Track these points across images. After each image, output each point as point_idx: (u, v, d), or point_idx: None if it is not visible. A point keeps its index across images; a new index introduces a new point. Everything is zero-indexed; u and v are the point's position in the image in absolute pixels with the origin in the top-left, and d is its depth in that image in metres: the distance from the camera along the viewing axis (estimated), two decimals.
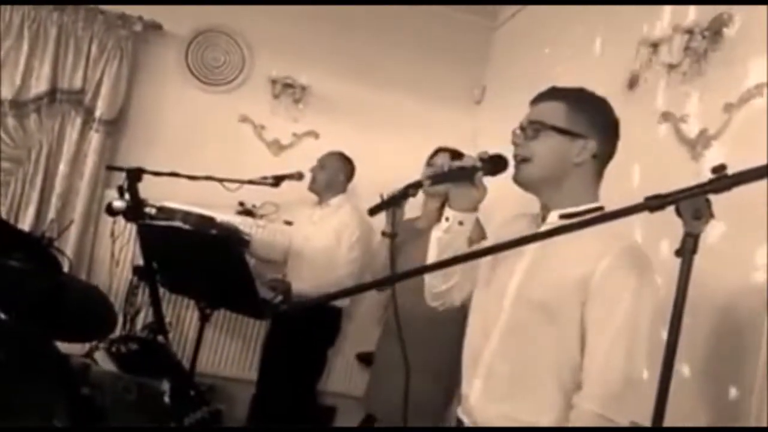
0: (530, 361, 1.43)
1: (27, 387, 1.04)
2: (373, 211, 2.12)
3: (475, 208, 1.55)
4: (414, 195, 2.47)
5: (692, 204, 1.02)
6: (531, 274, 1.47)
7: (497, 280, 1.53)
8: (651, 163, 2.38)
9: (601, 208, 1.48)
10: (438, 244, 1.58)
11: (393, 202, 2.50)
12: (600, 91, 1.56)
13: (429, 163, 2.68)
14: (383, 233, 2.77)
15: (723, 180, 1.00)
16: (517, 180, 1.52)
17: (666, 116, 2.36)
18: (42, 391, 1.06)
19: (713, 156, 2.08)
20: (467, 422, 1.54)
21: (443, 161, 1.69)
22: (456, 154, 2.64)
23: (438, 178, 1.55)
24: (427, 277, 1.65)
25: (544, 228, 1.48)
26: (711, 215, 1.01)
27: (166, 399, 1.21)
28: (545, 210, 1.53)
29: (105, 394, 1.15)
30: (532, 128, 1.49)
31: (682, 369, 1.94)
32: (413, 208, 2.63)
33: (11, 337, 1.10)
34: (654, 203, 1.06)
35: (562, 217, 1.48)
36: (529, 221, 1.59)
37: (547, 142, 1.47)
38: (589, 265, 1.36)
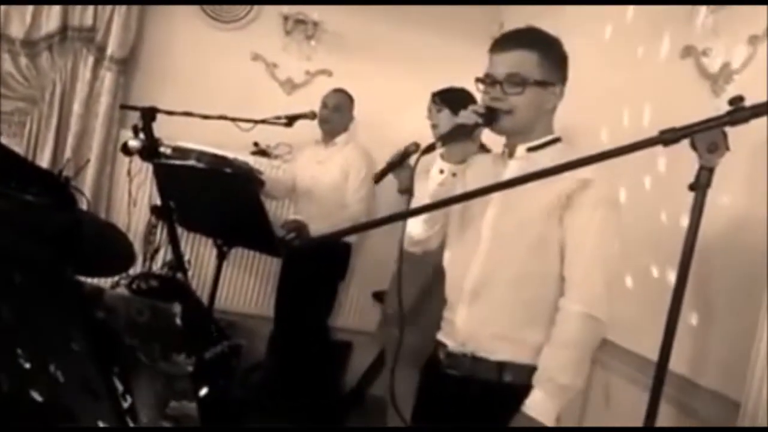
0: (514, 280, 1.54)
1: (44, 310, 1.08)
2: (378, 179, 2.20)
3: (466, 159, 1.61)
4: (414, 152, 2.62)
5: (708, 137, 1.00)
6: (506, 203, 1.55)
7: (472, 214, 1.62)
8: (670, 98, 2.32)
9: (558, 139, 1.61)
10: (435, 197, 1.58)
11: (395, 167, 2.69)
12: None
13: (430, 107, 2.75)
14: (399, 191, 2.88)
15: (740, 112, 0.98)
16: (497, 130, 1.59)
17: (688, 50, 2.29)
18: (58, 314, 1.10)
19: (735, 91, 2.02)
20: (451, 345, 1.63)
21: (444, 120, 1.72)
22: (454, 91, 2.70)
23: (446, 139, 1.59)
24: (409, 225, 1.69)
25: (513, 162, 1.61)
26: (727, 148, 1.00)
27: (178, 321, 1.26)
28: (511, 146, 1.63)
29: (118, 317, 1.20)
30: (511, 82, 1.53)
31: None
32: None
33: (26, 261, 1.14)
34: (668, 136, 1.04)
35: (529, 149, 1.59)
36: (493, 157, 1.70)
37: (526, 95, 1.54)
38: (564, 183, 1.45)
